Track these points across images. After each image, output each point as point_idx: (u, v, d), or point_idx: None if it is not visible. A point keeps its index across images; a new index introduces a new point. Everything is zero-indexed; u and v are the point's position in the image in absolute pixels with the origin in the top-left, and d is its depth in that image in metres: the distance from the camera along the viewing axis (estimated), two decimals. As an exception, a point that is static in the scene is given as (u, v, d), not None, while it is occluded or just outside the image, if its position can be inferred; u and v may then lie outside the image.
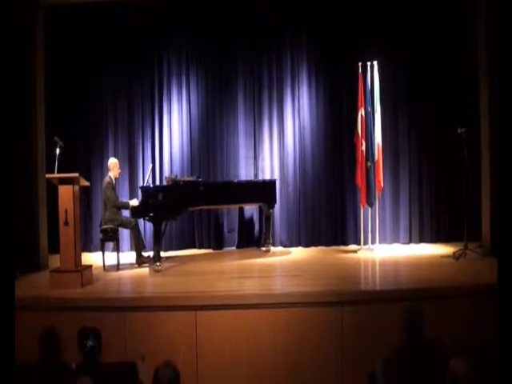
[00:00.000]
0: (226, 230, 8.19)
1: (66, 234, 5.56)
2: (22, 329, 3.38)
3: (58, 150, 5.93)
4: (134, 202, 6.74)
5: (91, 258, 7.20)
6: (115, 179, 7.00)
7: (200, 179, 7.40)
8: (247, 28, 8.12)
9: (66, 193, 5.59)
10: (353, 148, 7.60)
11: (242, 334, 4.96)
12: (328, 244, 8.00)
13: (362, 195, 7.43)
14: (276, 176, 8.08)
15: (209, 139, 8.22)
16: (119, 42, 8.04)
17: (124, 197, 7.57)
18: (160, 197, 6.53)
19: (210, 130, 8.22)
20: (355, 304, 5.04)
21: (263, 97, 8.20)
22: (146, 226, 7.84)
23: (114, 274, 6.37)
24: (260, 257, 7.36)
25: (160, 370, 2.71)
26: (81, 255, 5.86)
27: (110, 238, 6.69)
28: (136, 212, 6.67)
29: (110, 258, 6.78)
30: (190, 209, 7.21)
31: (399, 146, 8.01)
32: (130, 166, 8.14)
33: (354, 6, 7.80)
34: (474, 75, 7.10)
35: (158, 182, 8.02)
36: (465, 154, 6.75)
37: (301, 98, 8.14)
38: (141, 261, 6.82)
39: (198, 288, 5.49)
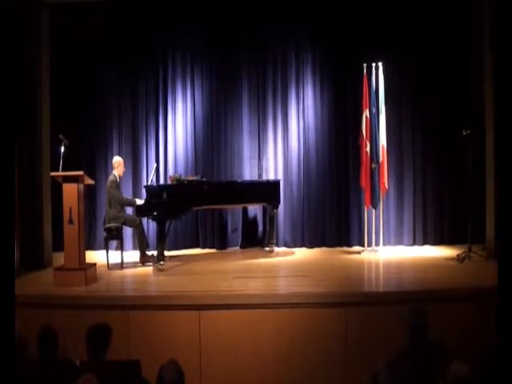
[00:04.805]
0: (229, 229, 8.18)
1: (70, 232, 5.58)
2: (25, 326, 3.38)
3: (62, 148, 5.95)
4: (139, 201, 6.76)
5: (95, 257, 7.20)
6: (119, 177, 7.02)
7: (204, 179, 7.40)
8: (252, 28, 8.10)
9: (70, 191, 5.60)
10: (357, 149, 7.59)
11: (246, 333, 4.97)
12: (332, 245, 7.98)
13: (366, 196, 7.41)
14: (280, 176, 8.07)
15: (213, 139, 8.22)
16: (124, 41, 8.03)
17: (128, 196, 7.57)
18: (164, 196, 6.55)
19: (215, 130, 8.22)
20: (359, 305, 5.04)
21: (268, 97, 8.19)
22: (150, 225, 7.85)
23: (118, 273, 6.38)
24: (264, 257, 7.36)
25: (164, 369, 2.71)
26: (85, 253, 5.87)
27: (114, 236, 6.71)
28: (140, 211, 6.68)
29: (114, 256, 6.80)
30: (194, 208, 7.21)
31: (404, 148, 7.98)
32: (134, 165, 8.14)
33: (359, 7, 7.78)
34: (480, 77, 7.08)
35: (162, 182, 8.03)
36: (469, 156, 6.73)
37: (305, 99, 8.13)
38: (145, 259, 6.82)
39: (201, 287, 5.49)
